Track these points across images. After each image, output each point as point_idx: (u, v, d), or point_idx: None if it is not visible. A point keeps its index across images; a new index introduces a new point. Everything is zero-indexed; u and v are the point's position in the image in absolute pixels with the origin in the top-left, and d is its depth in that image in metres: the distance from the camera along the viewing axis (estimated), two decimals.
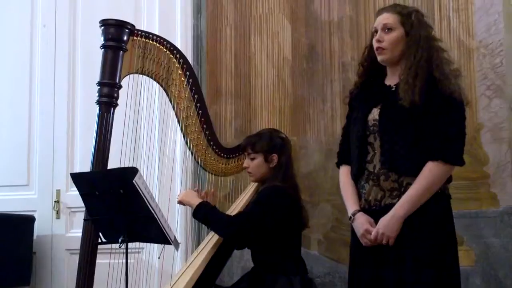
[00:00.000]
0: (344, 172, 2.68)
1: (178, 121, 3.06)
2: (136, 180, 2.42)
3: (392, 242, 2.41)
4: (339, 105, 3.70)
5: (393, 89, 2.54)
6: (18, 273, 3.98)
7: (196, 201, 2.96)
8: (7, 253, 3.86)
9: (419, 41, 2.47)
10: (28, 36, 4.43)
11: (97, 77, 2.86)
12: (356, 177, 2.58)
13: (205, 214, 2.92)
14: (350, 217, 2.57)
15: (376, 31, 2.54)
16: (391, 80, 2.57)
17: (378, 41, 2.51)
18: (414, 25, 2.49)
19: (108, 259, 2.77)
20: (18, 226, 4.03)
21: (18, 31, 4.46)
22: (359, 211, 2.53)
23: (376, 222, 2.47)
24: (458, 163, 2.45)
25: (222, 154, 3.16)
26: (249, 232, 2.87)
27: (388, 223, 2.41)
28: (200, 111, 3.05)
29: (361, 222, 2.50)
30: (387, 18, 2.52)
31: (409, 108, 2.40)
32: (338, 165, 2.75)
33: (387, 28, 2.50)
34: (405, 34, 2.49)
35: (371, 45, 2.59)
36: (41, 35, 4.41)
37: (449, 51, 2.61)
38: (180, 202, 3.06)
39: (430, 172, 2.39)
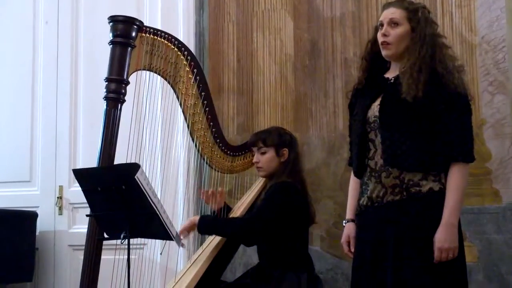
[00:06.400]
0: (353, 175, 2.68)
1: (185, 118, 3.05)
2: (138, 176, 2.41)
3: (455, 254, 2.36)
4: (342, 101, 3.70)
5: (391, 81, 2.52)
6: (21, 269, 3.99)
7: (195, 218, 2.91)
8: (10, 249, 3.87)
9: (425, 38, 2.45)
10: (30, 33, 4.44)
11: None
12: (358, 174, 2.58)
13: (212, 225, 2.90)
14: (344, 222, 2.70)
15: (381, 25, 2.51)
16: (391, 74, 2.56)
17: (384, 35, 2.49)
18: (420, 21, 2.47)
19: (113, 255, 2.77)
20: (21, 222, 4.04)
21: (21, 27, 4.46)
22: (352, 220, 2.66)
23: (379, 217, 2.45)
24: (473, 160, 2.45)
25: (228, 152, 3.15)
26: (263, 233, 2.87)
27: (445, 235, 2.35)
28: (207, 109, 3.05)
29: (346, 232, 2.65)
30: (394, 12, 2.49)
31: (411, 103, 2.39)
32: (349, 164, 2.74)
33: (393, 23, 2.48)
34: (411, 30, 2.47)
35: (375, 39, 2.56)
36: (44, 32, 4.41)
37: (452, 47, 2.60)
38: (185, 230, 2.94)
39: (459, 174, 2.39)
